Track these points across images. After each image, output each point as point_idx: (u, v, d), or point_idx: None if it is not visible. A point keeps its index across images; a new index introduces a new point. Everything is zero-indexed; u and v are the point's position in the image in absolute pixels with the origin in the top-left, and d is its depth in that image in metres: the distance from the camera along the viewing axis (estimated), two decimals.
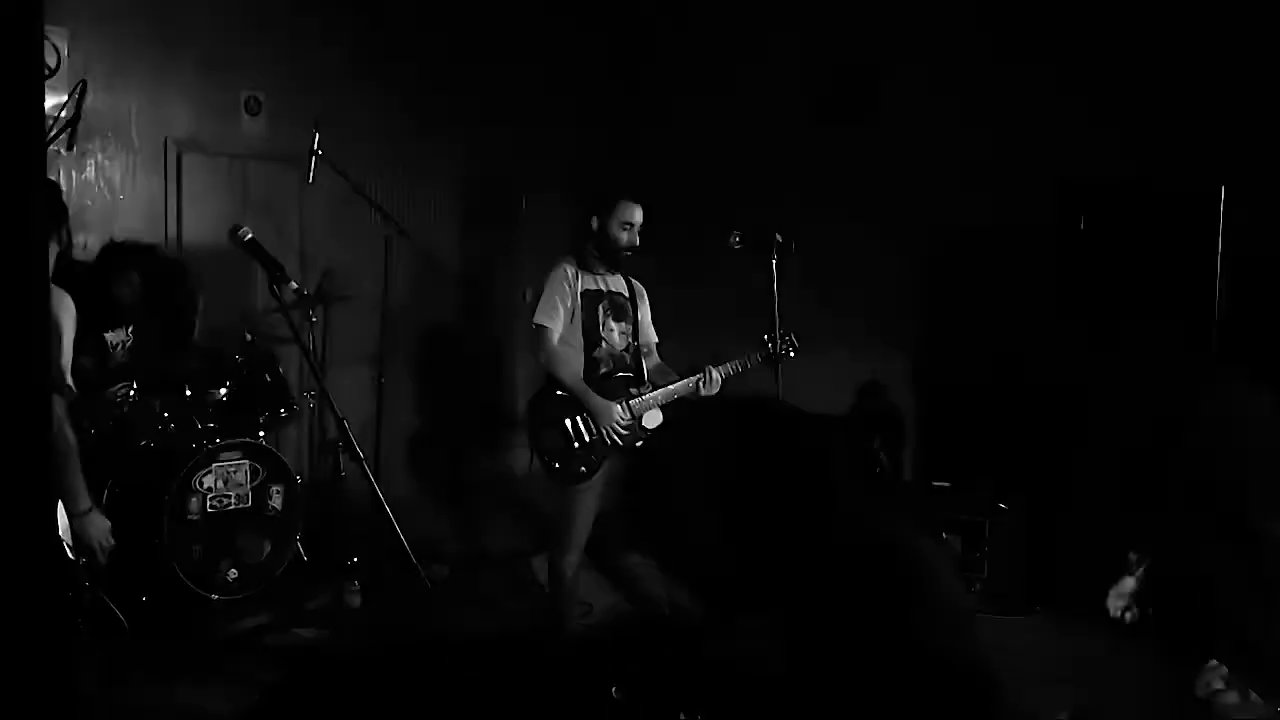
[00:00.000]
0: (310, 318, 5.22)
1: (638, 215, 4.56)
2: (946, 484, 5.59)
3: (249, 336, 5.20)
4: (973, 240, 6.04)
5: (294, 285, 3.68)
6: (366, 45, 6.39)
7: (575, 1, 7.30)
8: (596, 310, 4.58)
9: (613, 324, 4.63)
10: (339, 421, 4.13)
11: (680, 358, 5.04)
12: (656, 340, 4.84)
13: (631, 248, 4.58)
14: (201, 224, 5.73)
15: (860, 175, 6.40)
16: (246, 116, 5.99)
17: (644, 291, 4.81)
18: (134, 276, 4.88)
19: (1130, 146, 5.46)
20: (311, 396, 5.68)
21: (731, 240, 4.49)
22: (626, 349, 4.66)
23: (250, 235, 3.69)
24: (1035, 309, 5.67)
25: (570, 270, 4.57)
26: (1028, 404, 5.59)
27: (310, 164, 5.20)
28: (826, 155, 6.53)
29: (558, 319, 4.51)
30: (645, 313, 4.80)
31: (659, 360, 4.84)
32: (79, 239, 5.31)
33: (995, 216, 5.88)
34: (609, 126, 7.39)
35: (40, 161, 1.44)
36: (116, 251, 4.97)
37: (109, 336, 4.84)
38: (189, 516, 4.74)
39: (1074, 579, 5.14)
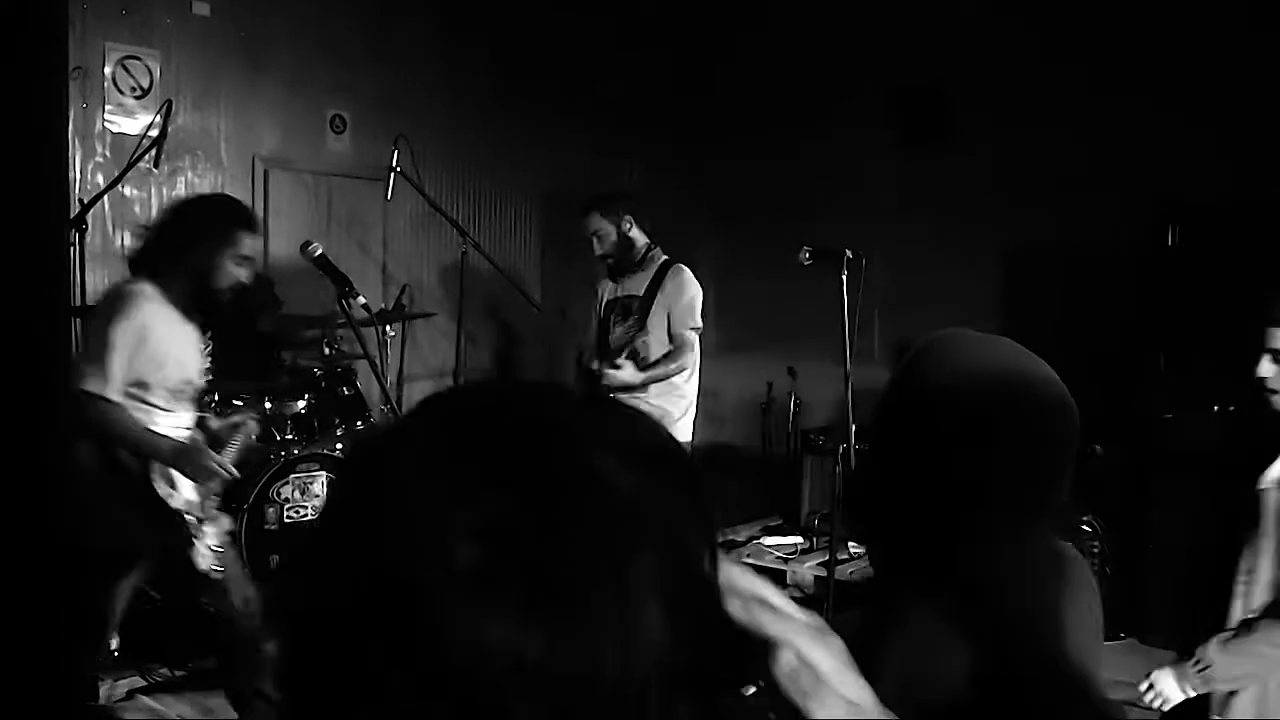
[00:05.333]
0: (387, 331, 5.29)
1: (591, 224, 4.76)
2: None
3: (328, 350, 5.30)
4: (1054, 258, 5.90)
5: (362, 300, 3.72)
6: (448, 66, 6.49)
7: (652, 22, 7.33)
8: (611, 315, 4.90)
9: (619, 322, 4.87)
10: None
11: (761, 369, 5.02)
12: (688, 328, 4.74)
13: (605, 256, 4.81)
14: (287, 238, 5.87)
15: (941, 193, 6.30)
16: (332, 134, 6.13)
17: (681, 286, 4.75)
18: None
19: (1221, 165, 5.27)
20: (385, 410, 5.76)
21: (801, 255, 4.42)
22: (626, 339, 4.83)
23: (320, 251, 3.75)
24: (1118, 329, 5.51)
25: (601, 286, 4.99)
26: (1110, 425, 5.41)
27: (389, 180, 5.28)
28: (909, 174, 6.45)
29: (590, 330, 5.02)
30: (673, 305, 4.75)
31: (669, 347, 4.75)
32: None
33: (1077, 234, 5.74)
34: (690, 145, 7.40)
35: (61, 171, 1.48)
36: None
37: None
38: (266, 526, 4.83)
39: (1161, 604, 4.97)
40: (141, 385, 3.28)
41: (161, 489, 3.30)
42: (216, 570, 3.35)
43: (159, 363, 3.30)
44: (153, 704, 4.04)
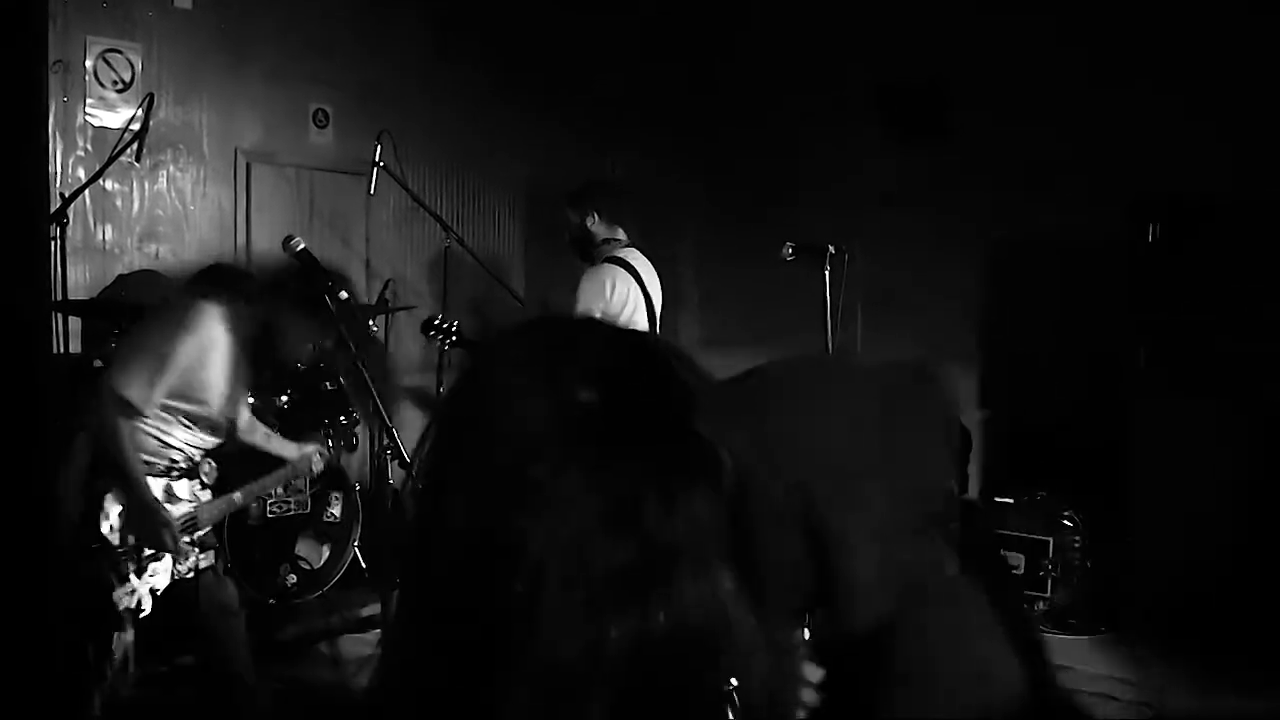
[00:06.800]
0: (370, 326, 5.29)
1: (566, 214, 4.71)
2: (1009, 500, 5.47)
3: (311, 346, 5.28)
4: (1039, 255, 5.94)
5: (344, 295, 3.71)
6: (431, 60, 6.48)
7: (648, 18, 7.32)
8: None
9: None
10: (388, 429, 4.17)
11: (744, 363, 4.99)
12: None
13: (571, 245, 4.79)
14: (270, 233, 5.84)
15: (929, 189, 6.31)
16: (314, 129, 6.10)
17: (577, 290, 4.59)
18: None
19: (1219, 163, 5.29)
20: (370, 405, 5.75)
21: (784, 251, 4.44)
22: None
23: (302, 245, 3.74)
24: (1104, 323, 5.54)
25: None
26: (1095, 418, 5.45)
27: (372, 175, 5.27)
28: (897, 169, 6.47)
29: None
30: None
31: None
32: (151, 248, 5.48)
33: (1061, 231, 5.77)
34: (678, 139, 7.40)
35: (41, 165, 1.47)
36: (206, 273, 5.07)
37: None
38: (249, 521, 4.82)
39: (1140, 598, 5.02)
40: (184, 398, 3.38)
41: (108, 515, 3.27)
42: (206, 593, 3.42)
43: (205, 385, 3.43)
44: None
